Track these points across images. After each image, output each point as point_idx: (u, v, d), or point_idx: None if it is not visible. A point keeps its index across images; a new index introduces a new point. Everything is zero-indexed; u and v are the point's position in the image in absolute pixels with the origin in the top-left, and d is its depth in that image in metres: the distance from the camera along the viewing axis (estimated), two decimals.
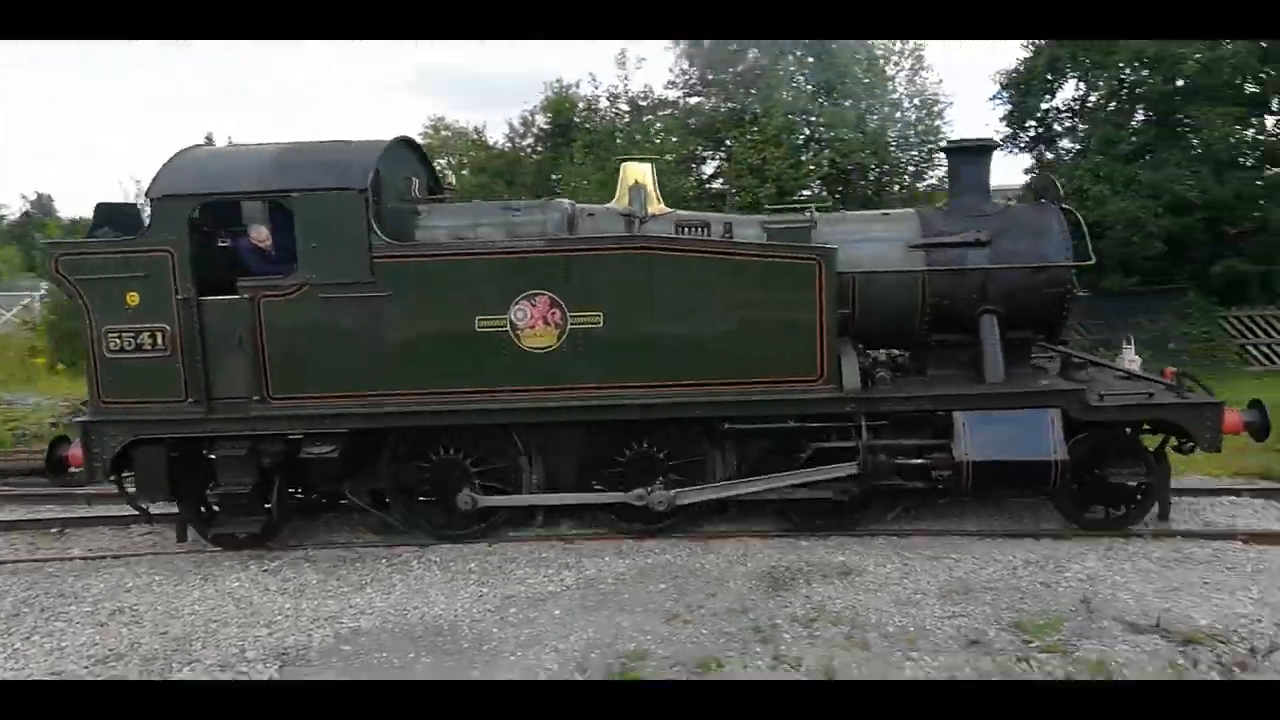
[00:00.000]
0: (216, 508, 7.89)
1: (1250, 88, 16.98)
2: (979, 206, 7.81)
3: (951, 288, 7.59)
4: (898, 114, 18.67)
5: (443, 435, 7.72)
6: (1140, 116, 17.80)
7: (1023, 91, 18.80)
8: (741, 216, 8.56)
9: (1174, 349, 15.38)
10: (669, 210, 8.29)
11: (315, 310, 7.25)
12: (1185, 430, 7.36)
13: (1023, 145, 19.50)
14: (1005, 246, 7.61)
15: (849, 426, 7.37)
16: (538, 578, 6.88)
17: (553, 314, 7.20)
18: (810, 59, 18.29)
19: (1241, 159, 16.78)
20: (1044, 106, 18.99)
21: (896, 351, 7.75)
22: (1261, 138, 17.45)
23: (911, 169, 18.78)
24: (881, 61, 18.79)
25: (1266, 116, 17.44)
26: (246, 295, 7.26)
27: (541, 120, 20.60)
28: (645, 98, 20.20)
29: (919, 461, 7.34)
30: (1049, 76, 18.27)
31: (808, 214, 7.92)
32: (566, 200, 8.35)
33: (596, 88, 20.29)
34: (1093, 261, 7.83)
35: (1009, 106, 19.28)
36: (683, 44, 19.00)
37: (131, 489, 7.82)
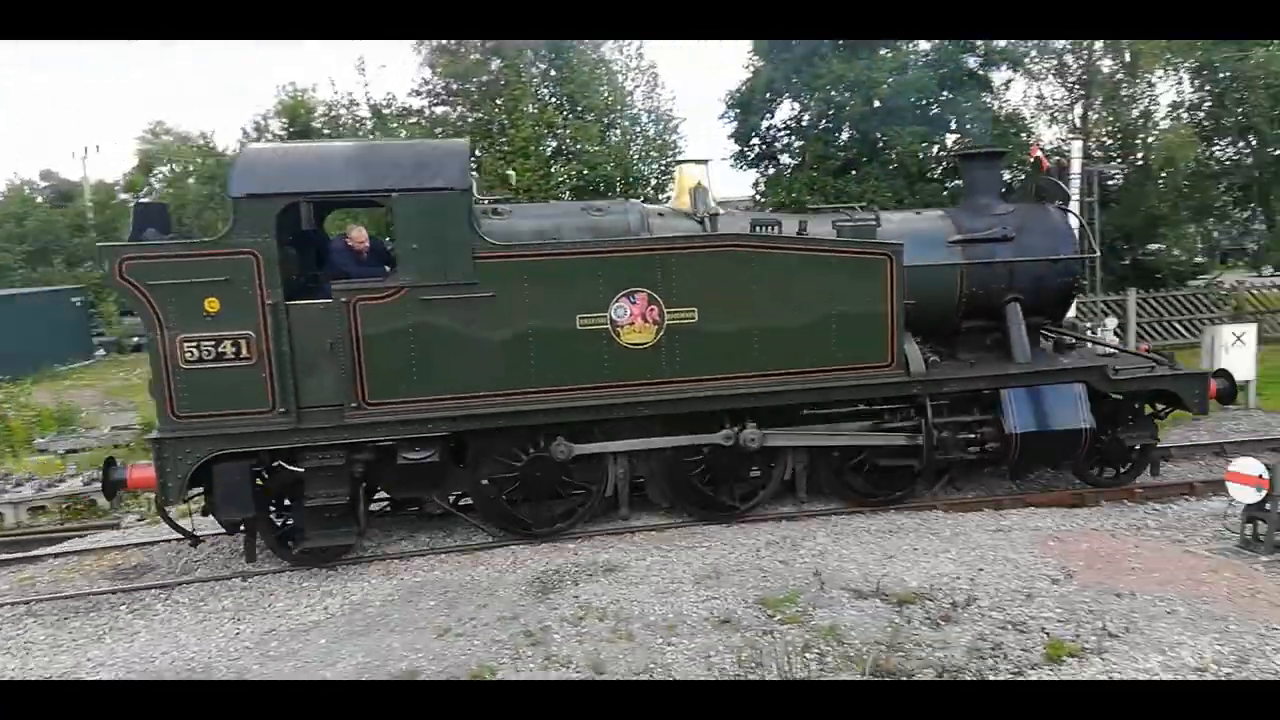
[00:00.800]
0: (289, 522, 7.61)
1: (934, 110, 19.43)
2: (993, 206, 8.78)
3: (985, 279, 8.47)
4: (637, 128, 19.55)
5: (529, 434, 7.62)
6: (846, 134, 19.81)
7: (746, 111, 20.31)
8: (810, 216, 8.97)
9: None
10: (725, 210, 8.56)
11: (416, 313, 7.00)
12: (1178, 398, 8.56)
13: (749, 160, 21.05)
14: (1026, 241, 8.60)
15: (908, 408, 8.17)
16: (299, 608, 6.70)
17: (651, 310, 7.36)
18: (553, 72, 18.72)
19: (929, 172, 19.12)
20: (765, 125, 20.64)
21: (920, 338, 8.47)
22: (944, 153, 20.01)
23: (654, 181, 19.71)
24: (620, 78, 19.57)
25: (947, 135, 20.05)
26: (343, 299, 6.88)
27: (277, 125, 19.58)
28: (389, 105, 19.76)
29: (970, 436, 8.22)
30: (768, 96, 19.85)
31: (865, 211, 8.53)
32: (635, 201, 8.55)
33: (336, 92, 19.66)
34: (1098, 254, 8.99)
35: (735, 124, 20.76)
36: (424, 52, 18.81)
37: (178, 510, 7.33)
